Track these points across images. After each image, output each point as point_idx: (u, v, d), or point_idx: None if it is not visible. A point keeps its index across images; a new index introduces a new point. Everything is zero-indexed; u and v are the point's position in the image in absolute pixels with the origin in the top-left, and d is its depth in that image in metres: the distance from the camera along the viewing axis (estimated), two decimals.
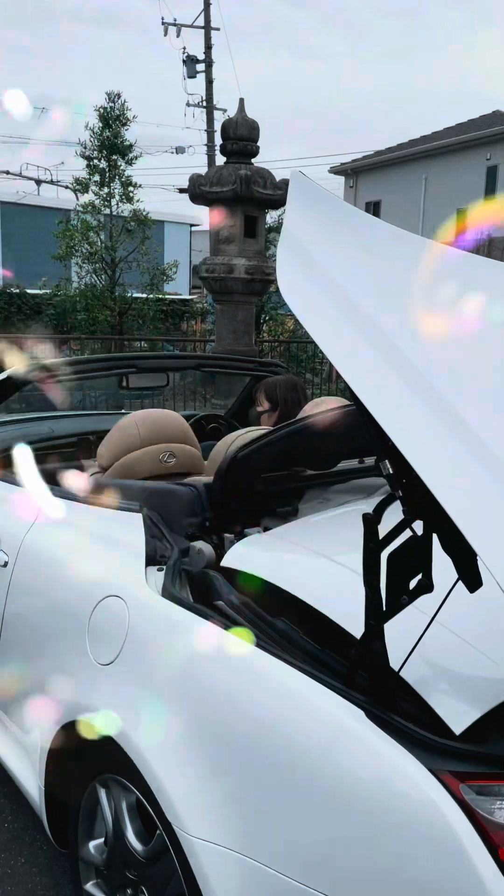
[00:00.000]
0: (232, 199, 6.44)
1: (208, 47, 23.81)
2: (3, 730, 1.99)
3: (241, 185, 6.29)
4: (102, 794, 1.61)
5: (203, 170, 23.79)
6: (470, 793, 1.02)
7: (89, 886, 1.70)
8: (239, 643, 1.32)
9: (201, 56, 23.84)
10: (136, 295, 8.77)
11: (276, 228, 9.60)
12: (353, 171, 24.67)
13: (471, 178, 21.02)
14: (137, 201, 8.44)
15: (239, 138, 6.55)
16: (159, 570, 1.59)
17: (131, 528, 1.70)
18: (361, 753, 1.09)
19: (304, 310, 1.15)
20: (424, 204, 22.39)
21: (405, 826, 1.03)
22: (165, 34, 23.44)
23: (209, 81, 24.09)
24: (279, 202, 6.72)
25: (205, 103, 24.31)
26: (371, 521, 1.16)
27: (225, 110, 28.94)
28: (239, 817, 1.22)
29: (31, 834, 2.14)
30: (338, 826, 1.09)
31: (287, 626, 1.40)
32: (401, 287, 1.28)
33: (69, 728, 1.60)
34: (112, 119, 8.29)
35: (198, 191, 6.50)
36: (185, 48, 23.45)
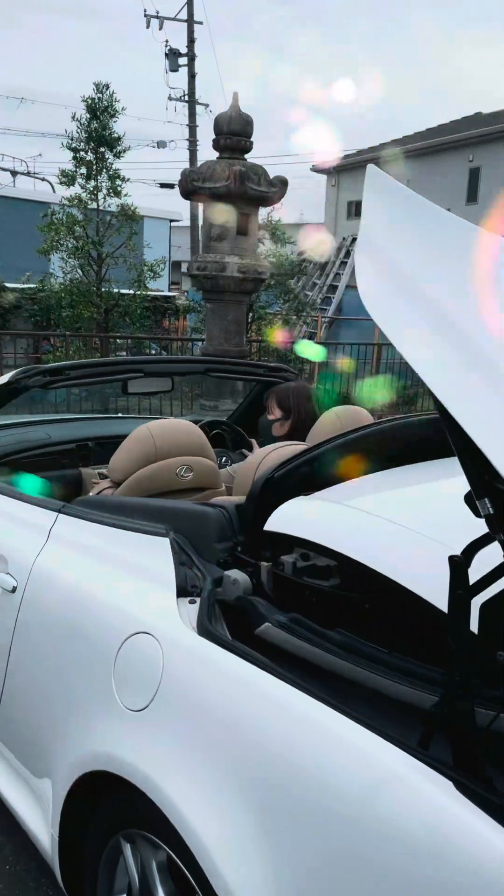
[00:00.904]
0: (225, 195, 6.28)
1: (191, 41, 23.56)
2: (11, 772, 1.82)
3: (235, 180, 6.14)
4: (127, 848, 1.46)
5: (184, 165, 23.61)
6: None
7: None
8: (289, 690, 1.19)
9: (184, 50, 23.57)
10: (123, 292, 8.56)
11: (266, 227, 9.49)
12: (336, 170, 24.61)
13: (454, 180, 21.06)
14: (125, 195, 8.26)
15: (232, 133, 6.39)
16: (191, 602, 1.45)
17: (158, 554, 1.55)
18: (455, 832, 0.95)
19: (386, 319, 1.02)
20: None
21: None
22: (148, 27, 23.14)
23: (191, 76, 23.84)
24: (273, 199, 6.58)
25: (187, 98, 24.05)
26: (459, 565, 1.02)
27: (207, 105, 28.71)
28: (288, 882, 1.09)
29: (36, 877, 1.99)
30: None
31: (345, 636, 1.28)
32: (488, 289, 1.16)
33: (90, 778, 1.45)
34: (100, 110, 8.08)
35: (190, 186, 6.32)
36: (167, 41, 23.14)
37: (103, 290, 8.36)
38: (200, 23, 29.73)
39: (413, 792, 1.00)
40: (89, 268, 8.28)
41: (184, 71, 23.76)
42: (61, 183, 8.15)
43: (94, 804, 1.53)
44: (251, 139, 6.52)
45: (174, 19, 23.44)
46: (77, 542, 1.74)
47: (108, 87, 8.18)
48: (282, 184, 6.55)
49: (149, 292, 9.32)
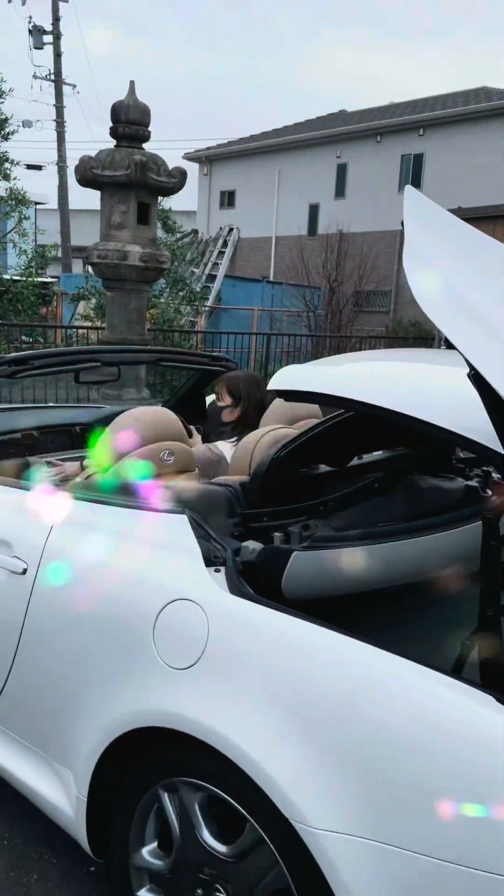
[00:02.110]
0: (126, 185, 6.29)
1: (56, 19, 22.84)
2: (22, 750, 1.90)
3: (135, 170, 6.16)
4: (165, 798, 1.60)
5: (52, 146, 22.66)
6: None
7: (143, 892, 1.69)
8: (321, 630, 1.38)
9: (49, 27, 22.78)
10: (15, 278, 8.31)
11: (158, 215, 9.48)
12: (208, 159, 24.72)
13: (322, 174, 21.77)
14: (14, 179, 8.00)
15: (130, 122, 6.39)
16: (216, 570, 1.60)
17: (177, 530, 1.69)
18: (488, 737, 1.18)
19: (439, 317, 1.21)
20: (278, 196, 22.90)
21: None
22: (9, 1, 22.17)
23: (57, 55, 23.11)
24: (172, 190, 6.66)
25: (53, 77, 23.29)
26: (491, 520, 1.26)
27: (74, 85, 27.89)
28: (358, 804, 1.27)
29: (37, 849, 2.07)
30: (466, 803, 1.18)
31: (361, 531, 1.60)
32: None
33: (128, 736, 1.58)
34: None
35: (89, 174, 6.27)
36: (31, 17, 22.24)
37: None
38: (66, 0, 28.70)
39: (455, 709, 1.22)
40: None
41: (49, 49, 22.98)
42: None
43: (126, 763, 1.65)
44: (149, 128, 6.55)
45: None
46: (89, 524, 1.83)
47: None
48: (181, 174, 6.64)
49: (39, 279, 9.10)
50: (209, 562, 1.61)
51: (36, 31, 22.53)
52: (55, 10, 22.50)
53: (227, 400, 2.98)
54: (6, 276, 8.38)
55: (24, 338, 10.85)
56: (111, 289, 6.73)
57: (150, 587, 1.62)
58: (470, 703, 1.22)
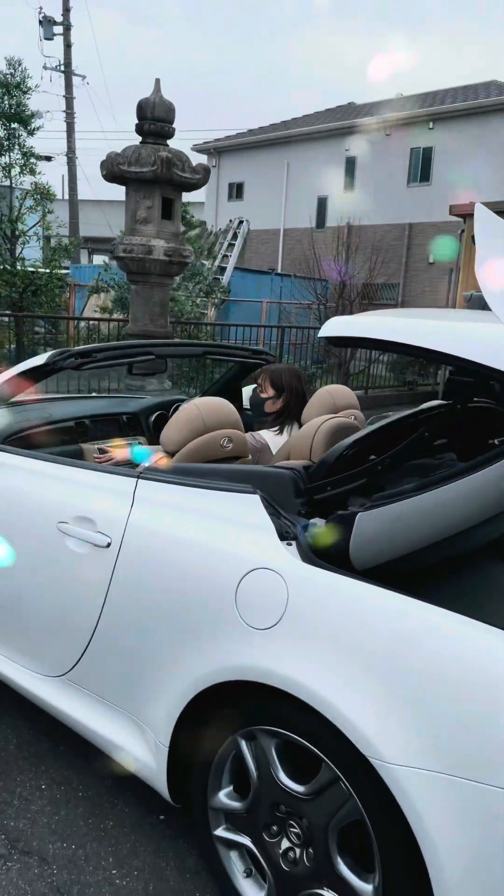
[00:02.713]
0: (151, 181, 6.45)
1: (66, 10, 22.89)
2: (105, 709, 2.09)
3: (161, 166, 6.32)
4: (243, 745, 1.79)
5: (58, 135, 22.80)
6: None
7: (220, 831, 1.89)
8: (387, 594, 1.57)
9: (59, 18, 22.86)
10: (40, 270, 8.48)
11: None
12: (217, 151, 24.81)
13: (331, 167, 21.86)
14: (39, 174, 8.18)
15: (156, 119, 6.54)
16: (288, 544, 1.78)
17: (250, 509, 1.87)
18: None
19: None
20: (287, 189, 23.00)
21: None
22: None
23: (67, 45, 23.20)
24: (196, 185, 6.81)
25: (63, 68, 23.38)
26: None
27: (84, 76, 27.91)
28: (428, 741, 1.46)
29: (110, 801, 2.27)
30: None
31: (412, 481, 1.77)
32: None
33: (209, 690, 1.77)
34: (13, 86, 7.92)
35: (116, 170, 6.43)
36: (41, 8, 22.31)
37: (18, 268, 8.26)
38: None
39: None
40: (3, 246, 8.14)
41: (59, 40, 23.05)
42: None
43: (205, 716, 1.84)
44: (173, 125, 6.71)
45: None
46: (167, 503, 2.02)
47: (20, 62, 8.05)
48: (204, 171, 6.80)
49: (61, 270, 9.28)
50: (282, 536, 1.80)
51: (46, 22, 22.60)
52: (65, 1, 22.56)
53: (270, 391, 3.17)
54: (30, 269, 8.56)
55: (37, 328, 11.03)
56: (135, 282, 6.89)
57: (230, 558, 1.81)
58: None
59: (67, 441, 3.21)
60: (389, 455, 2.04)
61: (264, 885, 1.82)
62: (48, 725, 2.58)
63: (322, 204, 22.23)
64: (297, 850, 1.74)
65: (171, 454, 2.38)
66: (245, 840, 1.83)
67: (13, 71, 8.05)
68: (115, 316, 9.48)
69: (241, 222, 21.77)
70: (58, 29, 22.79)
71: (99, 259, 24.80)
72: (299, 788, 1.70)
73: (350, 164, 21.74)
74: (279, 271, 19.91)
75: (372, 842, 1.57)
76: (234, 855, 1.88)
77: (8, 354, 8.20)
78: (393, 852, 1.54)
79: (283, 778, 1.73)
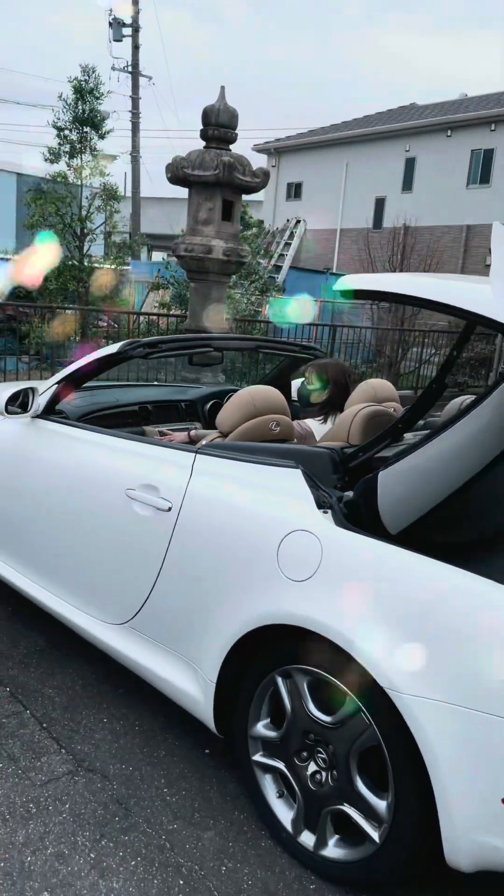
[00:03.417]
0: (213, 184, 6.79)
1: (136, 11, 23.40)
2: (161, 652, 2.41)
3: (223, 170, 6.65)
4: (280, 682, 2.09)
5: (124, 134, 23.19)
6: None
7: (257, 757, 2.18)
8: (411, 555, 1.84)
9: (128, 20, 23.42)
10: (105, 266, 8.94)
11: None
12: (276, 151, 25.08)
13: (390, 168, 21.93)
14: (108, 175, 8.61)
15: (219, 125, 6.88)
16: (324, 512, 2.06)
17: (292, 481, 2.16)
18: None
19: None
20: (345, 189, 23.14)
21: None
22: None
23: (135, 47, 23.76)
24: (255, 189, 7.12)
25: (130, 69, 23.95)
26: None
27: (150, 77, 28.40)
28: (440, 677, 1.72)
29: (162, 734, 2.59)
30: None
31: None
32: None
33: (256, 632, 2.06)
34: (86, 92, 8.37)
35: (180, 173, 6.79)
36: (111, 10, 22.92)
37: (85, 264, 8.73)
38: None
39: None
40: (73, 243, 8.61)
41: (128, 41, 23.63)
42: (46, 160, 8.45)
43: (247, 657, 2.14)
44: (236, 131, 7.03)
45: None
46: (221, 474, 2.33)
47: (94, 70, 8.50)
48: (264, 175, 7.10)
49: (124, 267, 9.73)
50: (319, 505, 2.08)
51: (116, 24, 23.19)
52: (135, 2, 23.13)
53: (316, 383, 3.45)
54: (96, 265, 9.02)
55: (100, 322, 11.51)
56: (195, 280, 7.24)
57: (273, 522, 2.11)
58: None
59: (131, 423, 3.55)
60: (407, 410, 2.29)
61: (294, 805, 2.11)
62: (109, 671, 2.92)
63: (380, 204, 22.31)
64: (323, 773, 2.02)
65: (224, 435, 2.69)
66: (279, 764, 2.13)
67: (87, 77, 8.51)
68: (172, 312, 9.87)
69: (298, 222, 22.00)
70: (126, 31, 23.37)
71: (158, 256, 25.37)
72: (326, 719, 1.98)
73: (409, 165, 21.76)
74: (334, 271, 20.08)
75: (387, 765, 1.85)
76: (268, 778, 2.18)
77: (73, 346, 8.66)
78: (404, 773, 1.81)
79: (313, 710, 2.02)
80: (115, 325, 11.26)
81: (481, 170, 20.21)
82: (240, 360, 9.60)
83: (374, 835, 1.89)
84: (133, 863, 2.03)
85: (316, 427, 3.31)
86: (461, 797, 1.70)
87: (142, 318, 10.07)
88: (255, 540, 2.13)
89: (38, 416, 3.04)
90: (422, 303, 1.91)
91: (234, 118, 6.97)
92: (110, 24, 23.25)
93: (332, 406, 3.40)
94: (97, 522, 2.64)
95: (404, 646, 1.78)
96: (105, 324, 11.85)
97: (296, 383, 3.93)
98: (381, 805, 1.88)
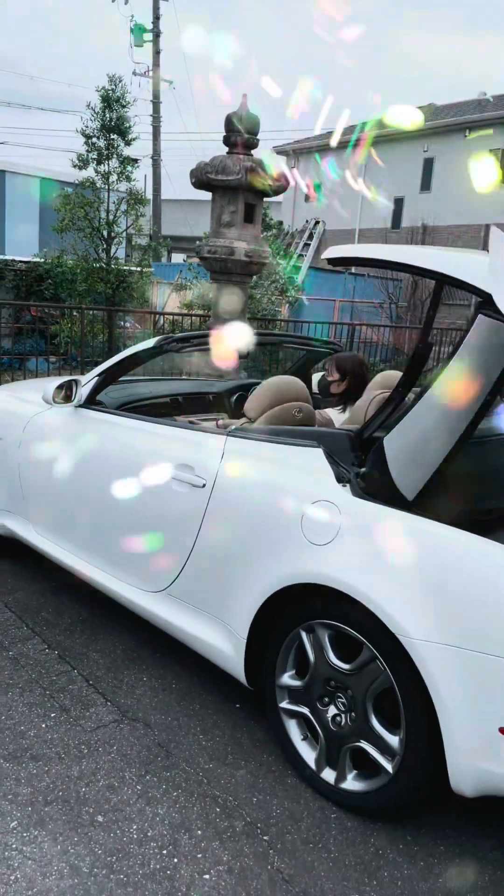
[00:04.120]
0: (235, 188, 7.06)
1: (156, 17, 23.77)
2: (197, 615, 2.68)
3: (245, 175, 6.91)
4: (304, 636, 2.35)
5: (148, 139, 23.38)
6: None
7: (284, 704, 2.45)
8: (417, 518, 2.09)
9: (149, 26, 23.76)
10: (131, 268, 9.27)
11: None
12: (295, 153, 25.30)
13: (409, 168, 22.07)
14: (134, 181, 8.93)
15: (241, 131, 7.15)
16: (343, 485, 2.32)
17: (314, 459, 2.43)
18: None
19: None
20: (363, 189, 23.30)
21: None
22: (113, 0, 23.21)
23: (156, 52, 24.05)
24: (276, 192, 7.38)
25: (151, 73, 24.27)
26: None
27: (171, 82, 28.86)
28: (446, 623, 1.97)
29: (197, 691, 2.86)
30: None
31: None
32: None
33: (283, 590, 2.33)
34: (113, 100, 8.70)
35: (204, 178, 7.07)
36: (132, 16, 23.27)
37: (112, 266, 9.06)
38: None
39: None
40: (101, 245, 8.94)
41: (148, 46, 23.97)
42: (74, 166, 8.80)
43: (275, 614, 2.40)
44: (257, 136, 7.29)
45: None
46: (250, 453, 2.60)
47: (121, 79, 8.82)
48: (284, 178, 7.36)
49: (148, 268, 10.05)
50: (339, 479, 2.35)
51: (137, 30, 23.55)
52: (155, 8, 23.48)
53: (336, 375, 3.71)
54: (123, 268, 9.35)
55: (125, 324, 11.85)
56: (218, 280, 7.52)
57: (299, 493, 2.37)
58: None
59: (163, 414, 3.83)
60: (402, 375, 2.52)
61: (316, 745, 2.37)
62: (147, 638, 3.20)
63: (398, 204, 22.47)
64: (343, 716, 2.28)
65: (252, 420, 2.96)
66: (303, 709, 2.39)
67: (114, 87, 8.83)
68: (194, 311, 10.16)
69: (317, 223, 22.22)
70: (147, 36, 23.71)
71: (177, 257, 25.71)
72: (345, 666, 2.25)
73: (428, 165, 21.90)
74: (353, 271, 20.28)
75: (399, 704, 2.10)
76: (293, 723, 2.44)
77: (101, 345, 8.99)
78: (414, 711, 2.07)
79: (334, 659, 2.28)
80: (139, 326, 11.59)
81: (500, 169, 20.29)
82: (261, 360, 9.87)
83: (388, 766, 2.15)
84: (175, 794, 2.30)
85: (335, 416, 3.57)
86: (463, 728, 1.96)
87: (164, 317, 10.38)
88: (281, 510, 2.39)
89: (80, 406, 3.33)
90: (393, 265, 2.23)
91: (256, 125, 7.23)
92: (131, 30, 23.62)
93: (350, 397, 3.65)
94: (138, 499, 2.91)
95: (412, 597, 2.04)
96: (129, 325, 12.19)
97: (316, 377, 4.19)
98: (394, 740, 2.14)
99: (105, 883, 1.95)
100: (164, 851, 2.07)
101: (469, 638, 1.94)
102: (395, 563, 2.09)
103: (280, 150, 25.27)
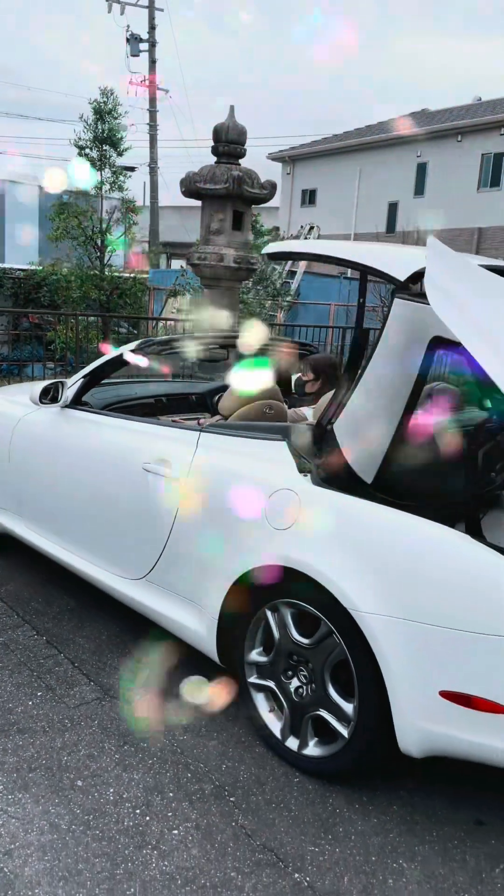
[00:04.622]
0: (224, 196, 7.27)
1: (152, 28, 24.10)
2: (174, 599, 2.87)
3: (232, 184, 7.12)
4: (269, 615, 2.54)
5: (145, 148, 23.62)
6: None
7: (252, 679, 2.63)
8: (368, 504, 2.28)
9: (145, 35, 24.06)
10: (125, 275, 9.50)
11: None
12: (291, 159, 25.57)
13: (402, 173, 22.30)
14: (126, 190, 9.17)
15: (229, 141, 7.36)
16: (304, 475, 2.52)
17: (278, 451, 2.62)
18: (471, 557, 2.07)
19: (459, 330, 2.07)
20: (358, 194, 23.56)
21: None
22: (109, 11, 23.53)
23: (152, 61, 24.38)
24: (263, 200, 7.59)
25: (147, 82, 24.56)
26: (474, 438, 2.13)
27: (167, 91, 29.03)
28: (392, 598, 2.16)
29: (174, 672, 3.04)
30: (460, 598, 2.06)
31: None
32: None
33: (249, 573, 2.52)
34: (105, 112, 8.94)
35: (193, 187, 7.28)
36: (128, 26, 23.60)
37: (106, 274, 9.29)
38: (161, 9, 29.86)
39: (440, 536, 2.11)
40: (94, 253, 9.17)
41: (144, 56, 24.28)
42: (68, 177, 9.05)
43: (251, 592, 2.58)
44: (245, 146, 7.51)
45: (135, 5, 23.87)
46: (220, 447, 2.79)
47: (112, 91, 9.07)
48: (272, 186, 7.57)
49: (142, 275, 10.28)
50: (300, 470, 2.54)
51: (133, 40, 23.87)
52: (151, 18, 23.80)
53: (310, 375, 3.90)
54: (116, 275, 9.57)
55: (119, 329, 12.05)
56: (208, 286, 7.72)
57: (262, 483, 2.56)
58: (451, 536, 2.11)
59: (148, 414, 4.02)
60: (348, 362, 2.71)
61: (282, 716, 2.56)
62: (130, 625, 3.39)
63: (392, 209, 22.70)
64: (305, 687, 2.47)
65: (226, 417, 3.15)
66: (270, 683, 2.58)
67: (106, 99, 9.07)
68: (189, 317, 10.37)
69: (311, 228, 22.44)
70: (143, 46, 24.02)
71: (177, 263, 25.94)
72: (306, 641, 2.43)
73: (421, 170, 22.13)
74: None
75: (353, 674, 2.29)
76: (261, 696, 2.63)
77: (96, 351, 9.16)
78: (366, 680, 2.25)
79: (296, 635, 2.46)
80: (136, 332, 11.79)
81: (492, 173, 20.53)
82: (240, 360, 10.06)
83: (344, 732, 2.33)
84: (150, 761, 2.49)
85: (310, 414, 3.76)
86: (408, 693, 2.14)
87: (160, 323, 10.57)
88: (247, 499, 2.59)
89: (66, 406, 3.52)
90: (323, 258, 2.56)
91: (243, 135, 7.44)
92: (128, 40, 23.94)
93: (322, 395, 3.84)
94: (119, 493, 3.11)
95: (361, 574, 2.23)
96: (125, 330, 12.39)
97: (296, 377, 4.38)
98: (349, 707, 2.33)
99: (82, 837, 2.14)
100: (138, 811, 2.26)
101: (411, 610, 2.13)
102: (347, 544, 2.28)
103: (276, 157, 25.51)
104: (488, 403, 2.72)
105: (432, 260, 2.19)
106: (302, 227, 23.45)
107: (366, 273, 2.40)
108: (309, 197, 25.47)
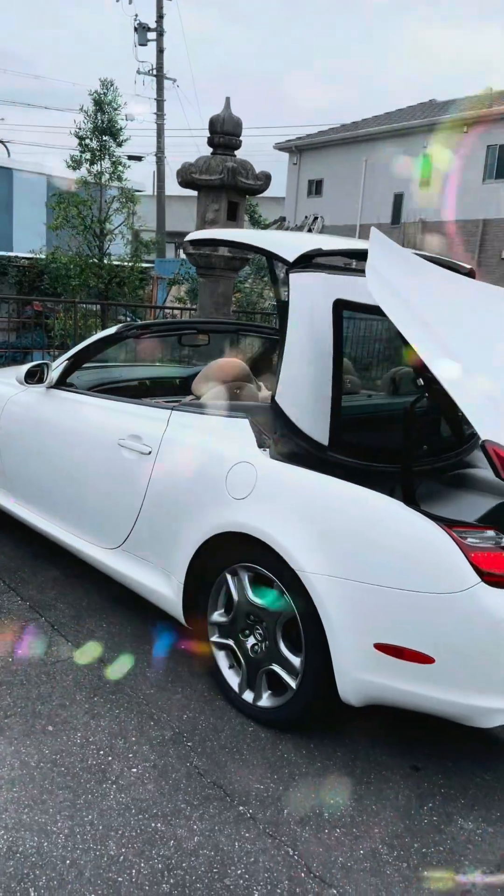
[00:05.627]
0: (218, 187, 7.44)
1: (160, 17, 24.13)
2: (144, 566, 3.08)
3: (227, 175, 7.29)
4: (229, 578, 2.74)
5: (152, 137, 23.75)
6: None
7: (215, 638, 2.84)
8: (316, 475, 2.48)
9: (153, 25, 24.12)
10: (123, 264, 9.69)
11: (246, 210, 10.66)
12: (297, 149, 25.61)
13: (408, 164, 22.30)
14: (125, 180, 9.32)
15: (225, 133, 7.52)
16: (263, 450, 2.71)
17: (241, 429, 2.81)
18: (404, 523, 2.26)
19: (399, 321, 2.26)
20: (364, 185, 23.61)
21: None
22: (118, 0, 23.60)
23: (160, 50, 24.43)
24: (258, 191, 7.75)
25: (155, 72, 24.64)
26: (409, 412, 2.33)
27: (175, 80, 29.13)
28: (335, 560, 2.36)
29: (146, 635, 3.26)
30: (396, 562, 2.26)
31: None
32: (452, 307, 2.43)
33: (211, 540, 2.72)
34: (105, 104, 9.11)
35: (188, 178, 7.45)
36: (136, 15, 23.64)
37: (105, 262, 9.48)
38: None
39: (381, 503, 2.30)
40: (93, 242, 9.36)
41: (152, 45, 24.35)
42: (69, 167, 9.23)
43: (212, 556, 2.79)
44: (240, 138, 7.67)
45: None
46: (189, 425, 2.99)
47: (112, 83, 9.23)
48: (266, 178, 7.73)
49: (144, 264, 10.47)
50: (259, 445, 2.73)
51: (141, 29, 23.94)
52: (159, 7, 23.85)
53: None
54: (115, 263, 9.77)
55: (121, 316, 12.24)
56: (203, 276, 7.90)
57: (226, 456, 2.76)
58: (389, 505, 2.30)
59: (133, 396, 4.22)
60: (278, 337, 2.95)
61: (240, 672, 2.77)
62: (110, 595, 3.60)
63: (398, 200, 22.75)
64: (259, 644, 2.68)
65: (198, 397, 3.35)
66: (229, 641, 2.79)
67: (106, 91, 9.24)
68: (188, 305, 10.56)
69: (315, 218, 22.54)
70: (151, 35, 24.09)
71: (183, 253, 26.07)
72: (261, 602, 2.64)
73: (427, 161, 22.14)
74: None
75: (300, 631, 2.49)
76: (222, 654, 2.84)
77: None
78: (311, 635, 2.46)
79: (252, 597, 2.67)
80: (136, 320, 11.99)
81: (497, 165, 20.55)
82: (229, 349, 10.26)
83: (293, 683, 2.54)
84: (117, 711, 2.71)
85: None
86: (346, 646, 2.35)
87: (160, 311, 10.76)
88: (211, 471, 2.79)
89: (51, 387, 3.73)
90: (236, 244, 2.95)
91: (239, 127, 7.60)
92: (135, 29, 24.01)
93: None
94: (96, 467, 3.31)
95: (306, 538, 2.43)
96: (127, 318, 12.59)
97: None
98: (297, 661, 2.53)
99: (48, 773, 2.36)
100: (101, 752, 2.48)
101: (352, 570, 2.33)
102: (296, 511, 2.48)
103: (282, 147, 25.56)
104: (420, 382, 2.90)
105: (374, 248, 2.37)
106: (306, 217, 23.55)
107: (265, 255, 2.80)
108: (315, 187, 25.53)
